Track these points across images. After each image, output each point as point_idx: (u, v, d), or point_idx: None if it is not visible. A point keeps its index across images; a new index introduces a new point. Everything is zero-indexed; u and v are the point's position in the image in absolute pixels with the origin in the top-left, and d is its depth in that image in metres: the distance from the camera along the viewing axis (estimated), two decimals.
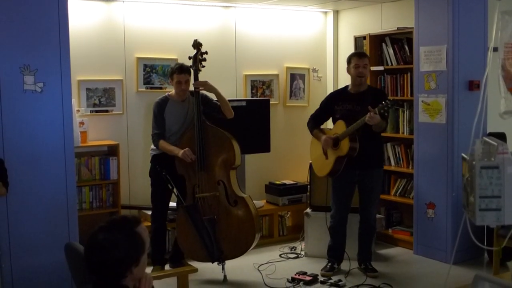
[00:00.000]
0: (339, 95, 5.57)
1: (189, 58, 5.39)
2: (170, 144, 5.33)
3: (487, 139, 2.17)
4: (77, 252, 3.19)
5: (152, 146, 5.48)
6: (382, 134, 5.54)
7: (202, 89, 5.35)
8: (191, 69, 5.35)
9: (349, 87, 5.50)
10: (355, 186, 5.51)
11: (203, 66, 5.38)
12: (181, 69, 5.31)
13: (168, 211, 5.66)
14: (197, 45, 5.37)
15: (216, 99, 5.44)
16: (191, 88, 5.40)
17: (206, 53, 5.37)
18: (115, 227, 2.38)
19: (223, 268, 5.30)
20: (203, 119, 5.33)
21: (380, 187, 5.70)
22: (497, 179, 2.08)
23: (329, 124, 5.82)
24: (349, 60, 5.45)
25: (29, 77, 4.02)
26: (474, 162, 2.11)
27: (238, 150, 5.38)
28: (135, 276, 2.39)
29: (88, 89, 5.88)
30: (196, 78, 5.35)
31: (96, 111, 5.95)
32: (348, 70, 5.46)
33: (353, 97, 5.41)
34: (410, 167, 6.34)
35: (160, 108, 5.37)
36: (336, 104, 5.47)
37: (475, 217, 2.10)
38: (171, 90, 5.54)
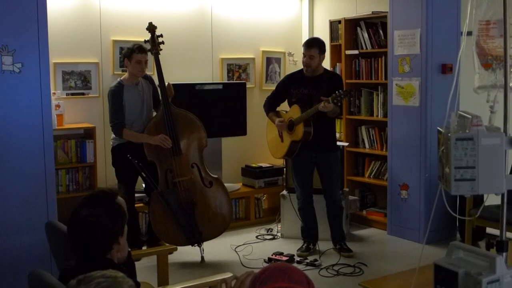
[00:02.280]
0: (296, 78, 5.62)
1: (145, 41, 5.35)
2: (134, 132, 5.30)
3: (461, 112, 2.24)
4: (58, 230, 3.20)
5: (113, 135, 5.40)
6: (356, 117, 5.64)
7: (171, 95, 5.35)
8: (151, 53, 5.31)
9: (305, 70, 5.56)
10: (313, 166, 5.61)
11: (161, 49, 5.36)
12: (141, 49, 5.27)
13: (137, 194, 5.65)
14: (151, 27, 5.32)
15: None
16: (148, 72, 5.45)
17: (161, 35, 5.34)
18: (96, 202, 2.41)
19: (201, 250, 5.35)
20: (170, 103, 5.32)
21: (338, 168, 5.75)
22: (472, 150, 2.15)
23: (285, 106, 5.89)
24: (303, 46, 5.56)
25: (7, 58, 4.00)
26: (449, 134, 2.18)
27: (205, 130, 5.42)
28: (122, 246, 2.43)
29: (64, 72, 5.85)
30: (157, 61, 5.31)
31: (72, 94, 5.92)
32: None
33: (309, 80, 5.48)
34: (384, 150, 6.44)
35: (118, 95, 5.28)
36: (292, 87, 5.55)
37: (450, 187, 2.18)
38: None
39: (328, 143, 5.54)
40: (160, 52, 5.34)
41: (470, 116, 2.17)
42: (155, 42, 5.31)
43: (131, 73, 5.34)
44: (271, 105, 5.74)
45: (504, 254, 2.35)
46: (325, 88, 5.27)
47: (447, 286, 2.25)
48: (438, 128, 2.32)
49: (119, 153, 5.31)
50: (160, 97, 5.34)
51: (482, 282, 2.13)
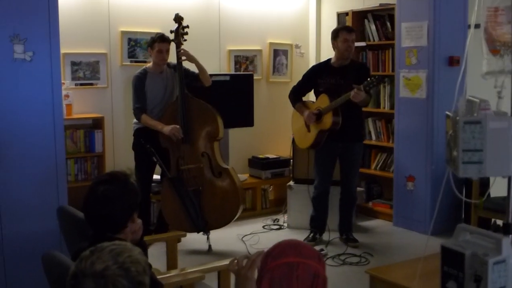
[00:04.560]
0: (322, 68, 5.64)
1: (171, 32, 5.42)
2: (152, 118, 5.38)
3: (470, 97, 2.28)
4: (69, 214, 3.26)
5: (135, 120, 5.53)
6: (363, 109, 5.66)
7: (185, 59, 5.41)
8: (174, 43, 5.39)
9: (332, 60, 5.57)
10: (337, 158, 5.62)
11: (185, 40, 5.42)
12: (163, 38, 5.37)
13: (152, 184, 5.74)
14: (178, 19, 5.39)
15: (191, 69, 5.52)
16: (170, 60, 5.49)
17: (187, 27, 5.41)
18: (113, 179, 2.47)
19: (207, 238, 5.41)
20: (186, 91, 5.39)
21: (360, 159, 5.82)
22: (479, 133, 2.19)
23: (310, 97, 5.92)
24: (336, 34, 5.47)
25: (18, 46, 4.04)
26: (457, 118, 2.22)
27: (221, 122, 5.47)
28: (136, 226, 2.49)
29: (73, 62, 5.90)
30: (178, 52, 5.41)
31: (81, 84, 5.97)
32: (334, 44, 5.48)
33: (336, 70, 5.49)
34: (390, 141, 6.47)
35: (141, 81, 5.41)
36: (319, 77, 5.55)
37: (458, 170, 2.21)
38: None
39: (355, 133, 5.55)
40: (184, 42, 5.40)
41: (478, 100, 2.21)
42: (179, 33, 5.38)
43: (154, 62, 5.45)
44: (296, 96, 5.72)
45: (510, 236, 2.39)
46: (353, 78, 5.24)
47: (454, 267, 2.29)
48: (447, 112, 2.36)
49: (138, 137, 5.43)
50: (178, 86, 5.40)
51: (488, 262, 2.17)
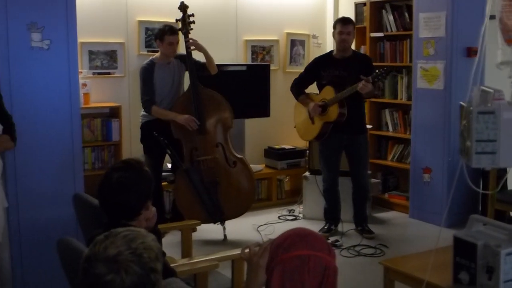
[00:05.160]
0: (325, 60, 5.63)
1: (176, 21, 5.41)
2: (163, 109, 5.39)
3: (483, 87, 2.26)
4: (85, 201, 3.29)
5: (143, 112, 5.51)
6: (380, 100, 5.65)
7: (193, 49, 5.40)
8: (182, 32, 5.37)
9: (334, 52, 5.57)
10: (342, 150, 5.62)
11: (192, 29, 5.41)
12: (173, 30, 5.35)
13: (164, 173, 5.76)
14: (183, 7, 5.36)
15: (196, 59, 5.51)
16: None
17: (193, 15, 5.38)
18: (127, 167, 2.50)
19: (223, 229, 5.43)
20: (198, 82, 5.38)
21: (367, 151, 5.79)
22: (493, 123, 2.18)
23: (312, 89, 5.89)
24: (334, 26, 5.53)
25: (36, 34, 4.07)
26: (471, 108, 2.21)
27: (231, 111, 5.46)
28: (150, 214, 2.51)
29: (90, 52, 5.93)
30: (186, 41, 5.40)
31: (98, 74, 6.01)
32: (333, 35, 5.53)
33: (339, 62, 5.48)
34: (407, 133, 6.45)
35: (149, 73, 5.39)
36: (322, 69, 5.54)
37: (471, 160, 2.20)
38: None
39: (359, 125, 5.56)
40: (191, 31, 5.39)
41: (492, 91, 2.20)
42: (185, 22, 5.36)
43: (163, 53, 5.43)
44: (299, 88, 5.72)
45: None
46: (356, 69, 5.25)
47: (466, 258, 2.28)
48: (461, 103, 2.35)
49: (147, 130, 5.41)
50: (190, 76, 5.40)
51: (500, 253, 2.16)
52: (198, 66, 5.49)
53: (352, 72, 5.28)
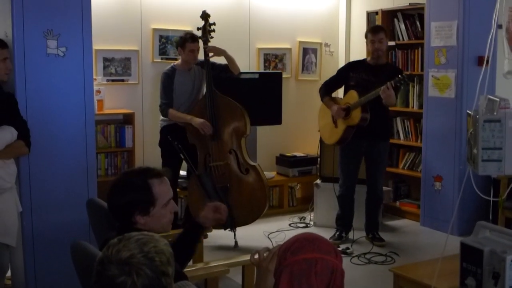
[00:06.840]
0: (358, 64, 5.70)
1: (198, 29, 5.52)
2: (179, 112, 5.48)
3: (490, 96, 2.30)
4: (98, 206, 3.34)
5: (162, 117, 5.61)
6: (391, 108, 5.67)
7: (212, 55, 5.49)
8: (201, 40, 5.47)
9: (368, 59, 5.64)
10: (362, 156, 5.64)
11: (212, 37, 5.50)
12: (194, 38, 5.46)
13: (179, 180, 5.82)
14: (205, 16, 5.48)
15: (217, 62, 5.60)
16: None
17: (214, 24, 5.48)
18: (132, 173, 2.54)
19: (234, 235, 5.47)
20: (214, 89, 5.45)
21: (386, 159, 5.83)
22: (499, 132, 2.21)
23: (339, 94, 5.93)
24: (366, 35, 5.59)
25: (52, 42, 4.14)
26: (478, 116, 2.24)
27: (248, 119, 5.52)
28: (145, 226, 2.46)
29: (105, 59, 6.01)
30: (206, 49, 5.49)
31: (113, 81, 6.08)
32: (366, 45, 5.60)
33: (370, 68, 5.53)
34: (418, 141, 6.46)
35: (169, 79, 5.51)
36: (352, 71, 5.58)
37: (477, 168, 2.23)
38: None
39: (382, 131, 5.57)
40: (211, 40, 5.48)
41: (498, 99, 2.23)
42: (206, 30, 5.46)
43: (184, 60, 5.53)
44: (327, 90, 5.74)
45: None
46: (385, 77, 5.25)
47: (473, 263, 2.31)
48: (468, 111, 2.38)
49: (166, 134, 5.49)
50: (206, 83, 5.50)
51: (506, 259, 2.18)
52: (221, 69, 5.59)
53: (380, 78, 5.28)
